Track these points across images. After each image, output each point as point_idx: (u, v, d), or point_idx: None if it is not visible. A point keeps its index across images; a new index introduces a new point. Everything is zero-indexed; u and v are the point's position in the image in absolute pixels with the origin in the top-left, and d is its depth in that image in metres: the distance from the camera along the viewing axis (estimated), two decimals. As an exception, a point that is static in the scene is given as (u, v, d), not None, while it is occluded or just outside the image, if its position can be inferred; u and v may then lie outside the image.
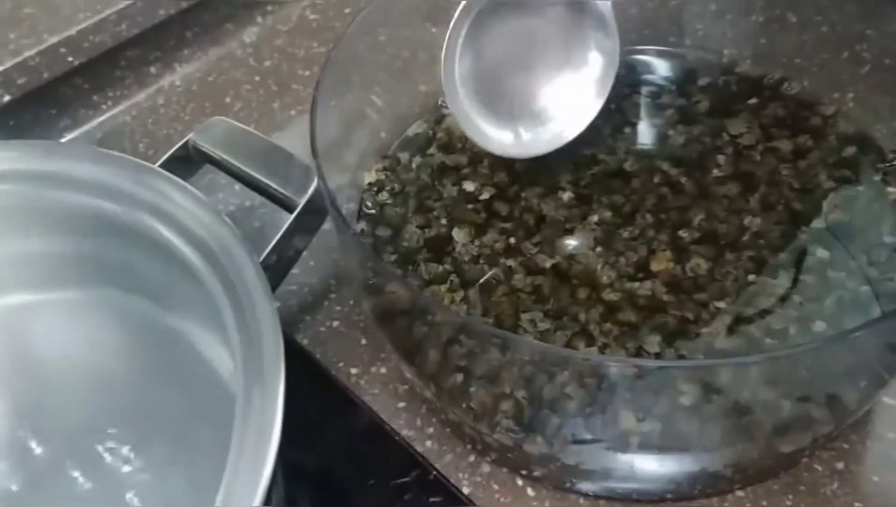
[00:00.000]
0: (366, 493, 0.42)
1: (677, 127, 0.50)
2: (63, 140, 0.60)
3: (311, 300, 0.50)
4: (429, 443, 0.43)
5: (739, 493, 0.41)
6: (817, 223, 0.45)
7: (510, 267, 0.45)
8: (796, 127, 0.49)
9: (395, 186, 0.49)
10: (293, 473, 0.43)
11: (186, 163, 0.46)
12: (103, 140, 0.60)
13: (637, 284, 0.43)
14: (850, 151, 0.48)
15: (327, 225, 0.45)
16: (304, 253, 0.50)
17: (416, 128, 0.52)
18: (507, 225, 0.46)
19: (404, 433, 0.44)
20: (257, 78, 0.62)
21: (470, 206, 0.47)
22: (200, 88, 0.62)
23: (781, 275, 0.43)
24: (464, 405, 0.39)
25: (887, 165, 0.47)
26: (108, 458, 0.42)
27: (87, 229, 0.42)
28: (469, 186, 0.48)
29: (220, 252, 0.38)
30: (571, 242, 0.45)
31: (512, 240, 0.46)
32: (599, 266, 0.44)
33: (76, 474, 0.42)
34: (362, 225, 0.47)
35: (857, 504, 0.40)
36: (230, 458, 0.33)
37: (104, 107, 0.61)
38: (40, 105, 0.58)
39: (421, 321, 0.39)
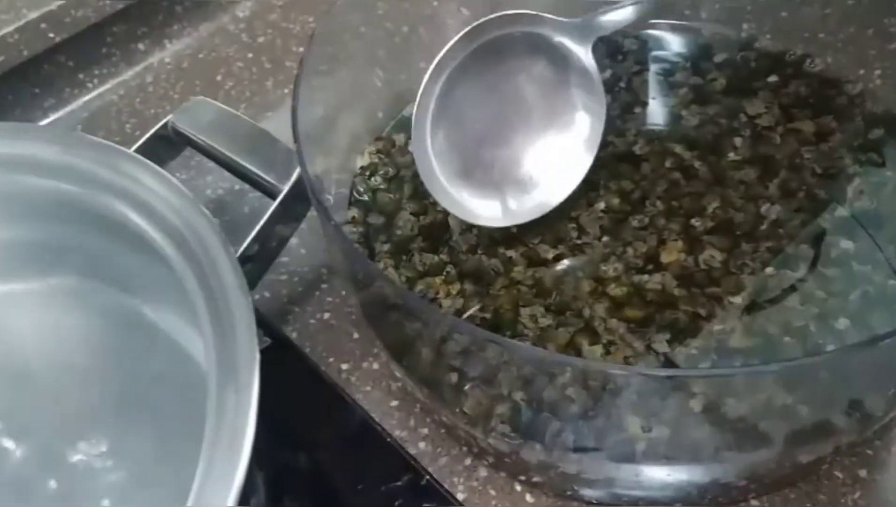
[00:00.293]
0: (355, 498, 0.40)
1: (691, 107, 0.47)
2: (47, 121, 0.58)
3: (301, 291, 0.47)
4: (422, 445, 0.41)
5: (754, 502, 0.38)
6: (841, 211, 0.43)
7: (510, 258, 0.42)
8: (819, 107, 0.47)
9: (390, 169, 0.46)
10: (278, 476, 0.41)
11: (168, 145, 0.44)
12: (89, 120, 0.58)
13: (646, 277, 0.41)
14: (878, 132, 0.45)
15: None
16: (296, 240, 0.49)
17: (413, 108, 0.49)
18: (508, 212, 0.43)
19: (396, 433, 0.42)
20: (250, 55, 0.60)
21: (468, 192, 0.45)
22: (191, 66, 0.60)
23: (801, 268, 0.41)
24: (457, 410, 0.36)
25: (918, 147, 0.44)
26: (83, 457, 0.40)
27: (57, 216, 0.40)
28: (468, 170, 0.45)
29: (195, 242, 0.36)
30: (576, 231, 0.43)
31: (513, 229, 0.43)
32: (605, 257, 0.41)
33: (50, 472, 0.40)
34: (353, 212, 0.45)
35: (881, 516, 0.37)
36: (201, 463, 0.32)
37: (90, 85, 0.59)
38: (22, 84, 0.56)
39: (410, 319, 0.37)
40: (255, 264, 0.40)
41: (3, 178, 0.40)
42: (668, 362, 0.38)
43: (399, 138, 0.48)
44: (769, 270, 0.40)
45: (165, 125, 0.43)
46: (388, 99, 0.50)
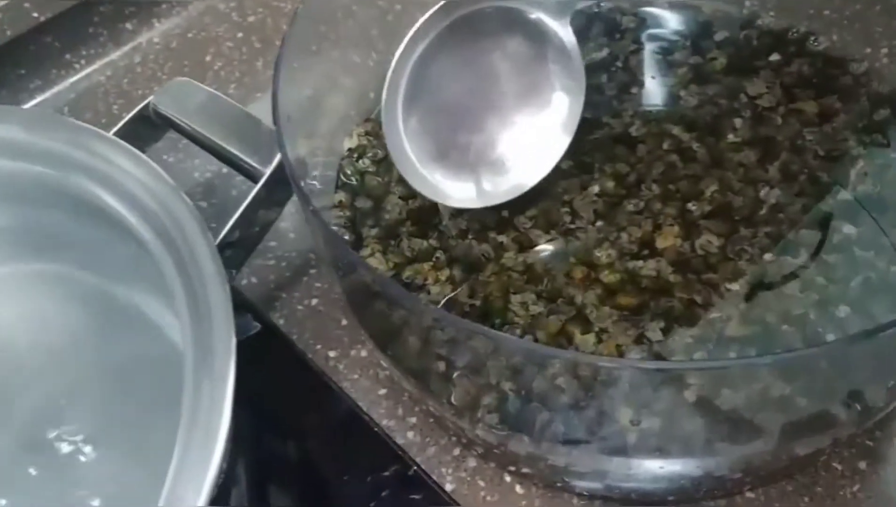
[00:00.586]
0: (341, 488, 0.39)
1: (690, 87, 0.46)
2: (33, 102, 0.56)
3: (288, 276, 0.46)
4: (410, 434, 0.40)
5: (749, 495, 0.37)
6: (844, 195, 0.41)
7: (501, 243, 0.41)
8: (823, 87, 0.45)
9: (378, 151, 0.45)
10: (261, 465, 0.40)
11: (150, 127, 0.43)
12: (76, 101, 0.56)
13: (640, 263, 0.39)
14: (883, 113, 0.44)
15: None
16: (284, 224, 0.47)
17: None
18: (500, 196, 0.42)
19: (384, 423, 0.41)
20: (240, 34, 0.59)
21: (459, 174, 0.43)
22: (180, 46, 0.59)
23: (802, 253, 0.39)
24: (444, 401, 0.35)
25: (924, 129, 0.43)
26: (62, 443, 0.39)
27: (31, 200, 0.39)
28: (459, 153, 0.44)
29: (173, 228, 0.35)
30: (569, 216, 0.41)
31: (504, 213, 0.42)
32: (599, 243, 0.40)
33: (30, 459, 0.39)
34: (340, 196, 0.43)
35: (881, 510, 0.36)
36: (175, 456, 0.31)
37: (77, 66, 0.58)
38: (6, 65, 0.55)
39: (393, 308, 0.35)
40: (238, 249, 0.39)
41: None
42: (662, 352, 0.37)
43: (389, 120, 0.47)
44: (768, 256, 0.39)
45: (147, 106, 0.42)
46: (379, 79, 0.47)
